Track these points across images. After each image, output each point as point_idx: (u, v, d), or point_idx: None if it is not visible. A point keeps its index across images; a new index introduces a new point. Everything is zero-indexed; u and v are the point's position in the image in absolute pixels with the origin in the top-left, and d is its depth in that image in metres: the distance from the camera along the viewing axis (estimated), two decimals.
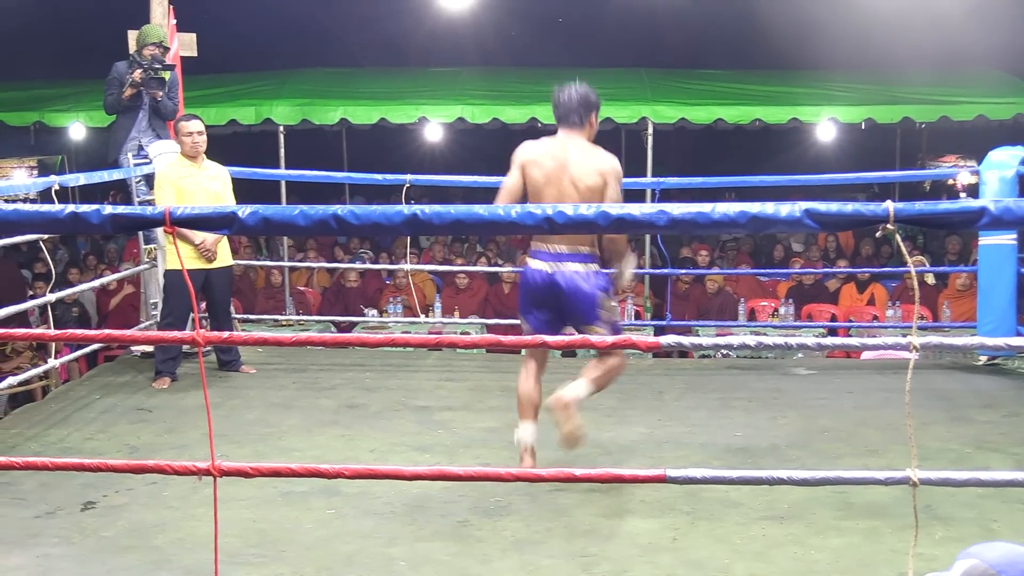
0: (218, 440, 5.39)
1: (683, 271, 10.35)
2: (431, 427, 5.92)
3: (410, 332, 9.50)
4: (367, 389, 6.80)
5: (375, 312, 10.06)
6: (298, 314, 10.40)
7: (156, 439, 5.63)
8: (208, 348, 5.45)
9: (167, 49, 7.73)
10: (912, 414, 3.13)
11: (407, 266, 9.42)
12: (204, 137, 7.03)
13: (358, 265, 11.48)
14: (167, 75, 7.67)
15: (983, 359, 7.44)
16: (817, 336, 9.08)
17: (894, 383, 6.73)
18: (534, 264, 4.78)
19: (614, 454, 5.36)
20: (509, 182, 4.79)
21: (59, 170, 15.37)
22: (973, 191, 10.22)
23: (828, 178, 10.03)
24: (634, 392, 6.72)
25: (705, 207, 2.92)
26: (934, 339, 3.41)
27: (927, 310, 10.08)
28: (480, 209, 3.10)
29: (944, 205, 2.91)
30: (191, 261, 6.78)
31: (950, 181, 16.59)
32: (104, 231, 3.65)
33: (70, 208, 3.05)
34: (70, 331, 3.72)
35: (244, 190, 7.34)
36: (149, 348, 7.41)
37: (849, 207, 2.92)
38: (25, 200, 12.61)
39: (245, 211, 3.03)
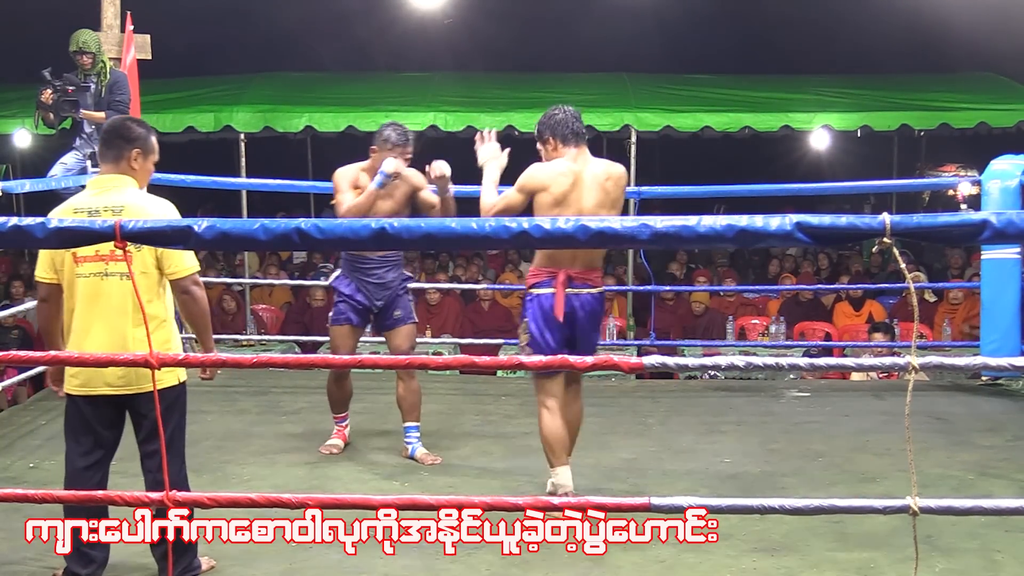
0: None
1: (667, 287, 10.32)
2: (401, 453, 5.89)
3: (378, 352, 9.45)
4: None
5: None
6: (259, 333, 10.35)
7: None
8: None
9: (92, 55, 7.55)
10: (912, 438, 3.13)
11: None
12: None
13: (322, 282, 11.40)
14: (99, 83, 7.49)
15: (985, 377, 7.50)
16: (810, 356, 9.09)
17: (892, 405, 6.75)
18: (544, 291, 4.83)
19: (595, 481, 5.35)
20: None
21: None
22: (974, 202, 10.28)
23: (821, 187, 10.04)
24: (616, 416, 6.72)
25: (690, 220, 2.92)
26: (934, 359, 3.41)
27: (926, 327, 10.13)
28: (452, 223, 3.08)
29: (944, 218, 2.91)
30: None
31: (950, 192, 16.71)
32: (49, 246, 3.62)
33: (12, 221, 3.02)
34: (12, 352, 3.68)
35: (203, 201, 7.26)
36: None
37: (843, 220, 2.93)
38: None
39: (202, 224, 3.00)
